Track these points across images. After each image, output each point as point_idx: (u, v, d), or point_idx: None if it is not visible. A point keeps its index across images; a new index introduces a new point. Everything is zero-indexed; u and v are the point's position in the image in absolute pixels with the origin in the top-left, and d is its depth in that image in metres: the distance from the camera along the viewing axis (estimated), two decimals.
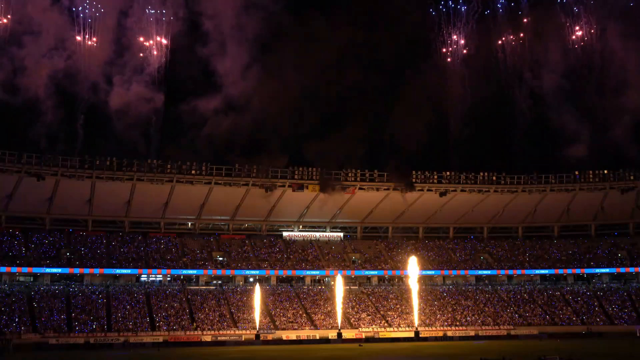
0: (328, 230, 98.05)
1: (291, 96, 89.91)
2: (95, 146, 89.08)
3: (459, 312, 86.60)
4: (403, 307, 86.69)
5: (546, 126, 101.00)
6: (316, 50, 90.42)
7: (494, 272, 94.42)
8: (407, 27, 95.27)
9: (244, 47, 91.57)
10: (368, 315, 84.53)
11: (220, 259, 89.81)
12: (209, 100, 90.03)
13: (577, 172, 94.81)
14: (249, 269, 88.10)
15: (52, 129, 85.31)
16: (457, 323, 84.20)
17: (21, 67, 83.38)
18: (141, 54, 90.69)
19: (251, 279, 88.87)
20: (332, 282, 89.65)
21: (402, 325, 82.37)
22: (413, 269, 76.46)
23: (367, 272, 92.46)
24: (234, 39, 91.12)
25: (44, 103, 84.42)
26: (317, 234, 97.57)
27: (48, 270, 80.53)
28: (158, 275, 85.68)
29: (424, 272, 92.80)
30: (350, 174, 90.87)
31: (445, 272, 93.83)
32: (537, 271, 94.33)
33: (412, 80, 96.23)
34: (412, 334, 79.45)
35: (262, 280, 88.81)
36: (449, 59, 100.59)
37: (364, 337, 78.36)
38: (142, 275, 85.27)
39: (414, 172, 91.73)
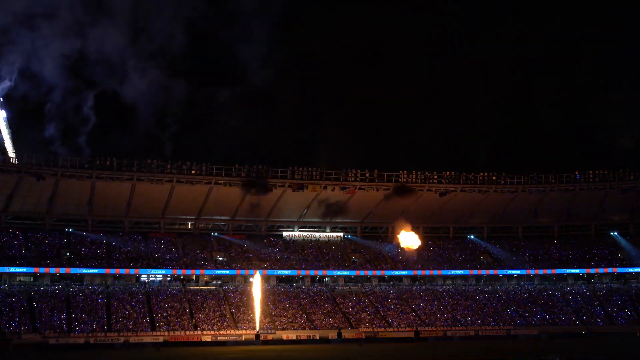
0: (328, 230, 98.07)
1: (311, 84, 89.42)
2: (108, 138, 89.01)
3: (459, 312, 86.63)
4: (403, 307, 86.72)
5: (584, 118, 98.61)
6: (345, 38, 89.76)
7: (494, 272, 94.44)
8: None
9: (267, 32, 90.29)
10: (368, 315, 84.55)
11: (220, 259, 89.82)
12: (229, 89, 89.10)
13: (577, 172, 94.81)
14: (249, 269, 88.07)
15: (65, 118, 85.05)
16: (457, 323, 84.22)
17: (33, 52, 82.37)
18: (160, 38, 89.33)
19: (251, 279, 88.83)
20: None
21: (402, 325, 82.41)
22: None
23: (367, 272, 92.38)
24: (257, 22, 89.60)
25: (56, 91, 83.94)
26: (317, 234, 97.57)
27: (48, 270, 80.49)
28: (158, 275, 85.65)
29: (424, 272, 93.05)
30: (350, 174, 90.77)
31: (445, 272, 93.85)
32: (537, 271, 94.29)
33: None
34: (412, 334, 79.54)
35: (262, 280, 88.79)
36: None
37: (364, 337, 78.34)
38: (142, 275, 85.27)
39: (414, 172, 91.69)
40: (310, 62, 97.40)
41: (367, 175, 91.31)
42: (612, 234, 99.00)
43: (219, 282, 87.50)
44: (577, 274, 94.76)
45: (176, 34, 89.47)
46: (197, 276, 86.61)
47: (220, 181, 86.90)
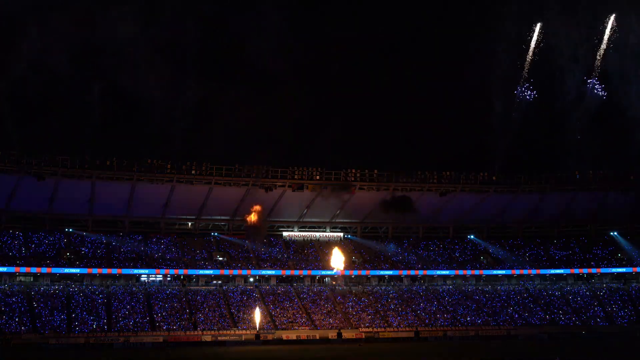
0: (328, 230, 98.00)
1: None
2: (113, 133, 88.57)
3: (459, 312, 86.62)
4: (403, 307, 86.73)
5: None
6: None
7: (494, 272, 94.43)
8: None
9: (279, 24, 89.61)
10: (368, 315, 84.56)
11: (220, 259, 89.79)
12: (236, 85, 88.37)
13: (577, 172, 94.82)
14: (249, 269, 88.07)
15: (70, 112, 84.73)
16: (457, 323, 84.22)
17: (41, 43, 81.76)
18: (170, 31, 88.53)
19: (251, 279, 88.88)
20: (334, 282, 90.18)
21: (402, 325, 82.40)
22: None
23: (367, 272, 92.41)
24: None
25: (61, 84, 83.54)
26: (317, 234, 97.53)
27: (48, 270, 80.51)
28: (158, 275, 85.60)
29: (424, 272, 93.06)
30: (350, 174, 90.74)
31: (446, 272, 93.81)
32: (537, 271, 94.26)
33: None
34: (412, 334, 79.57)
35: (262, 280, 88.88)
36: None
37: (364, 337, 78.37)
38: (142, 276, 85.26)
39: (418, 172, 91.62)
40: (320, 57, 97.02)
41: (367, 175, 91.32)
42: (612, 234, 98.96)
43: (219, 282, 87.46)
44: (577, 274, 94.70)
45: (187, 25, 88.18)
46: (197, 276, 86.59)
47: (220, 181, 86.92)
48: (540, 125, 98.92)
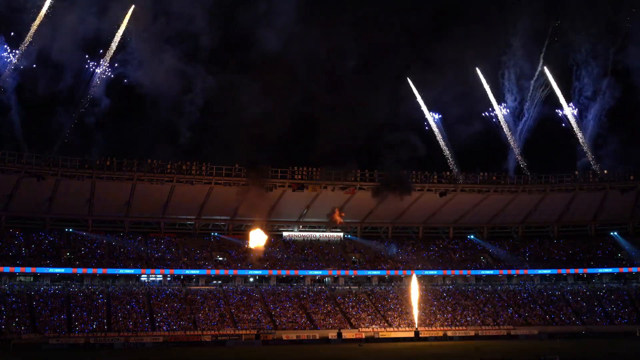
0: (328, 230, 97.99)
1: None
2: (118, 129, 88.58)
3: (459, 312, 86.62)
4: (403, 307, 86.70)
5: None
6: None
7: (494, 272, 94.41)
8: None
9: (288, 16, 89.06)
10: (368, 315, 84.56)
11: (220, 259, 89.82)
12: (247, 79, 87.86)
13: (577, 172, 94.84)
14: (249, 269, 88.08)
15: (74, 108, 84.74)
16: (457, 323, 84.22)
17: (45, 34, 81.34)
18: (179, 22, 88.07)
19: (251, 279, 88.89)
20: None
21: (402, 325, 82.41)
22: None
23: (367, 272, 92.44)
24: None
25: (64, 79, 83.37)
26: (317, 234, 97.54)
27: (48, 270, 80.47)
28: (158, 275, 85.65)
29: (424, 272, 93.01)
30: (350, 174, 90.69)
31: (446, 272, 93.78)
32: (537, 271, 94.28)
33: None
34: (412, 334, 79.55)
35: (262, 280, 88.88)
36: None
37: (364, 337, 78.37)
38: (142, 275, 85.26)
39: (413, 172, 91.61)
40: (321, 56, 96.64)
41: (367, 175, 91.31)
42: (612, 234, 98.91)
43: (219, 282, 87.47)
44: (577, 274, 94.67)
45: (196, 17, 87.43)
46: (197, 276, 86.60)
47: (220, 181, 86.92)
48: (544, 124, 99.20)
